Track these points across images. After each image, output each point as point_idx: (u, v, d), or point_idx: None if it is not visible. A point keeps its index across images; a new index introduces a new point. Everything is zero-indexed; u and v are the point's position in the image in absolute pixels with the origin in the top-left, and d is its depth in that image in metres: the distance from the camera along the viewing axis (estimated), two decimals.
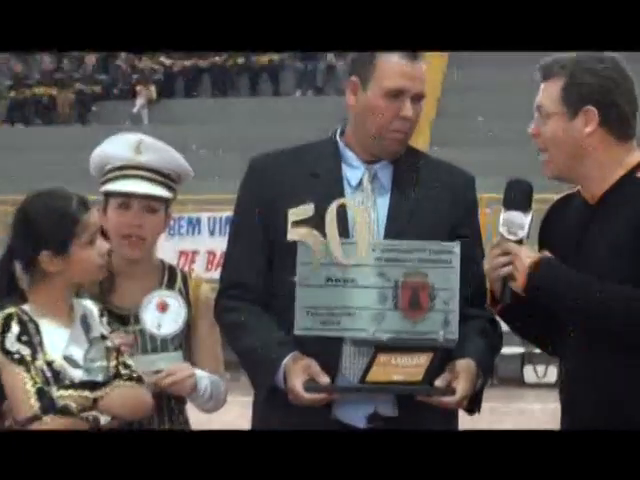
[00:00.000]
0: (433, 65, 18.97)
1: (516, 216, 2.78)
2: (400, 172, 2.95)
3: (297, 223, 2.76)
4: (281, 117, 18.44)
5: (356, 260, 2.76)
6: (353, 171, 2.95)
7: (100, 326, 2.89)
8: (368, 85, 2.91)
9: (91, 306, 2.93)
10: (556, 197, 3.01)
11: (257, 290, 2.92)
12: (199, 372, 3.07)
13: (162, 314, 3.09)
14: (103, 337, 2.87)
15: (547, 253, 2.81)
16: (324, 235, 2.76)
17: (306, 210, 2.78)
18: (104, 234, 3.01)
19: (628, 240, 2.70)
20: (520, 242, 2.78)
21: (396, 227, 2.88)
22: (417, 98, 2.92)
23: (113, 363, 2.83)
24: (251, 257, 2.94)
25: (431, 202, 2.91)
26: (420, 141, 16.40)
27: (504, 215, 2.80)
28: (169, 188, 3.14)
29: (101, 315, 2.92)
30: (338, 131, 3.02)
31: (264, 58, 19.88)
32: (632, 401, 2.69)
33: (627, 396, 2.70)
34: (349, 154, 2.97)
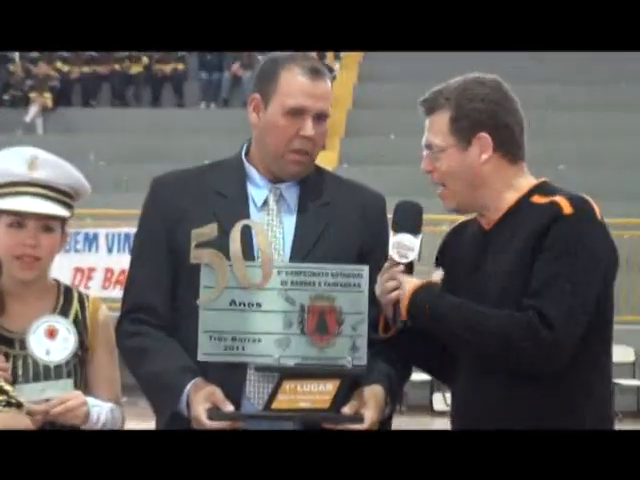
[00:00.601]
0: (343, 80, 19.13)
1: (406, 238, 2.83)
2: (307, 192, 2.97)
3: (201, 245, 2.76)
4: (184, 129, 18.37)
5: (261, 284, 2.76)
6: (258, 191, 2.97)
7: None
8: (270, 102, 2.92)
9: None
10: (452, 226, 3.07)
11: (161, 314, 2.91)
12: (92, 400, 3.04)
13: (51, 340, 3.05)
14: None
15: (436, 277, 2.87)
16: (228, 257, 2.76)
17: (210, 230, 2.78)
18: None
19: (523, 262, 2.76)
20: (411, 264, 2.84)
21: (302, 249, 2.89)
22: (320, 117, 2.92)
23: None
24: (155, 279, 2.93)
25: (339, 223, 2.94)
26: (329, 158, 16.49)
27: (394, 238, 2.84)
28: (66, 205, 3.10)
29: None
30: (244, 149, 3.03)
31: (167, 67, 19.78)
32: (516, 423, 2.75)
33: (512, 421, 2.75)
34: (254, 173, 2.98)
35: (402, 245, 2.83)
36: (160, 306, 2.92)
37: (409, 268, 2.84)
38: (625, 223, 12.19)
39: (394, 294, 2.82)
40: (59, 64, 19.93)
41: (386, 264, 2.84)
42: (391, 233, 2.86)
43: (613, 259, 2.82)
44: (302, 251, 2.89)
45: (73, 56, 19.92)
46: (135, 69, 19.84)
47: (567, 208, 2.75)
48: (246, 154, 3.02)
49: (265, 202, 2.96)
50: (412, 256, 2.83)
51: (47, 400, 2.97)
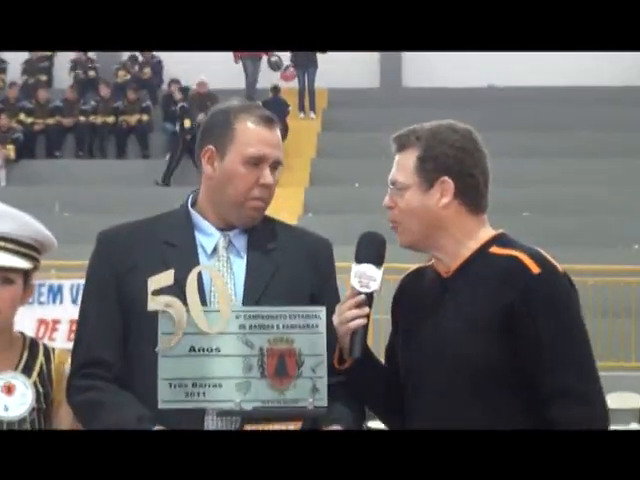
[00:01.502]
0: (307, 129, 19.23)
1: (368, 268, 2.86)
2: (255, 238, 3.02)
3: (157, 292, 2.77)
4: (150, 180, 18.36)
5: (220, 328, 2.78)
6: (207, 239, 3.01)
7: None
8: (226, 153, 2.97)
9: None
10: (408, 272, 3.10)
11: (113, 365, 2.93)
12: None
13: (8, 397, 3.06)
14: None
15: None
16: (185, 303, 2.77)
17: (166, 277, 2.79)
18: None
19: (481, 317, 2.81)
20: (371, 295, 2.86)
21: (254, 293, 2.93)
22: (275, 165, 2.99)
23: None
24: (105, 333, 2.94)
25: (289, 267, 2.97)
26: (294, 207, 16.52)
27: (356, 268, 2.87)
28: (28, 257, 3.11)
29: None
30: (190, 200, 3.07)
31: (132, 118, 19.78)
32: None
33: None
34: (202, 222, 3.02)
35: (364, 275, 2.86)
36: (111, 359, 2.93)
37: (370, 299, 2.87)
38: (591, 270, 12.27)
39: (353, 324, 2.85)
40: (22, 116, 19.88)
41: (347, 293, 2.87)
42: (353, 264, 2.89)
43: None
44: (254, 295, 2.92)
45: (37, 108, 19.91)
46: (100, 120, 19.81)
47: (534, 268, 2.80)
48: (192, 204, 3.06)
49: (215, 249, 2.99)
50: (374, 286, 2.86)
51: None
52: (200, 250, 2.99)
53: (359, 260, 2.89)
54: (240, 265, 2.97)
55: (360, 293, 2.87)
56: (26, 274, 3.12)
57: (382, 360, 3.10)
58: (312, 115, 20.29)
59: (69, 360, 3.16)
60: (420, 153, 2.89)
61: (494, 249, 2.88)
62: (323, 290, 2.98)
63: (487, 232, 2.93)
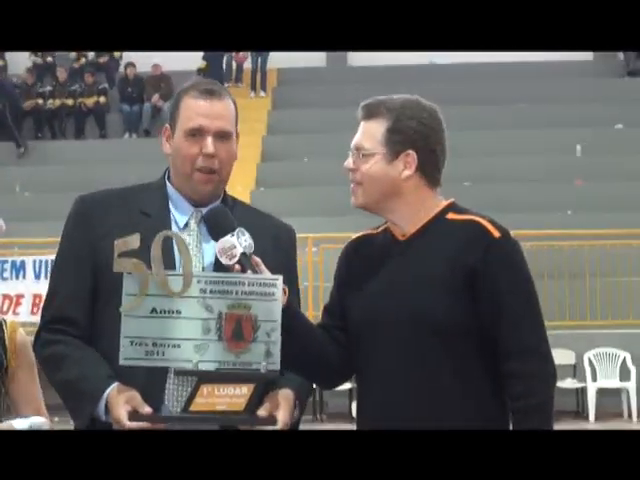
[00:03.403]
0: (257, 107, 19.20)
1: (225, 241, 2.84)
2: None
3: (122, 254, 2.77)
4: (108, 159, 18.25)
5: (181, 292, 2.79)
6: (180, 213, 3.01)
7: None
8: (175, 129, 2.99)
9: None
10: (350, 241, 3.11)
11: (81, 325, 2.93)
12: (15, 422, 3.02)
13: None
14: None
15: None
16: (150, 267, 2.78)
17: (132, 241, 2.79)
18: None
19: (444, 275, 2.85)
20: (244, 257, 2.82)
21: (221, 271, 2.90)
22: (220, 135, 2.97)
23: None
24: (76, 293, 2.95)
25: (256, 247, 2.92)
26: (246, 182, 16.53)
27: (217, 247, 2.85)
28: None
29: None
30: (166, 173, 3.08)
31: (90, 100, 19.64)
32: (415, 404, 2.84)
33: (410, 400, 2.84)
34: (176, 196, 3.03)
35: (225, 249, 2.84)
36: (80, 318, 2.94)
37: (245, 261, 2.83)
38: (528, 235, 12.40)
39: None
40: None
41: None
42: (214, 246, 2.87)
43: None
44: (222, 271, 2.89)
45: None
46: (58, 103, 19.64)
47: (495, 232, 2.86)
48: (168, 178, 3.07)
49: (187, 224, 3.00)
50: (238, 251, 2.83)
51: None
52: (173, 223, 3.00)
53: (215, 238, 2.88)
54: (210, 244, 2.96)
55: (234, 265, 2.84)
56: None
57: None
58: (262, 93, 20.36)
59: (20, 329, 3.20)
60: (389, 125, 2.90)
61: (451, 215, 2.93)
62: (285, 273, 2.92)
63: (440, 201, 2.98)
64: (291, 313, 2.89)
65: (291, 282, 2.99)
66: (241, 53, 20.30)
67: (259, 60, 20.32)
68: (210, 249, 2.95)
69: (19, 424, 3.01)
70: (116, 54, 20.98)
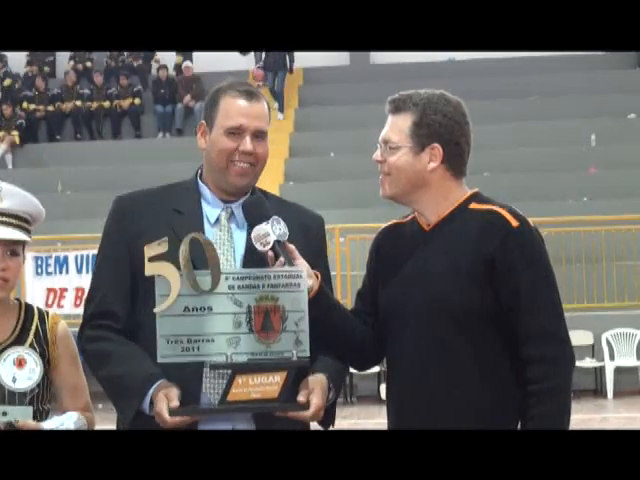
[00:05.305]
0: (285, 108, 19.16)
1: (260, 229, 2.85)
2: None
3: (153, 258, 2.78)
4: (143, 158, 18.30)
5: (210, 290, 2.79)
6: (211, 209, 3.02)
7: None
8: (213, 126, 2.99)
9: None
10: (383, 227, 3.12)
11: (123, 320, 2.95)
12: (49, 423, 3.02)
13: (19, 369, 3.06)
14: None
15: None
16: (179, 268, 2.78)
17: (161, 245, 2.80)
18: None
19: (464, 263, 2.85)
20: (278, 245, 2.83)
21: (252, 262, 2.92)
22: (257, 135, 2.98)
23: None
24: (117, 289, 2.96)
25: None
26: (275, 177, 16.53)
27: (252, 234, 2.86)
28: (27, 231, 3.13)
29: None
30: (198, 172, 3.09)
31: (125, 102, 19.71)
32: (448, 402, 2.83)
33: (445, 397, 2.83)
34: (207, 193, 3.03)
35: (259, 237, 2.84)
36: (121, 312, 2.95)
37: (279, 249, 2.84)
38: (546, 222, 12.33)
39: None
40: (25, 104, 19.77)
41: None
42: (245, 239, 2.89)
43: None
44: (253, 264, 2.91)
45: (37, 96, 19.80)
46: (96, 105, 19.73)
47: (513, 221, 2.85)
48: (200, 176, 3.07)
49: (218, 219, 3.00)
50: (272, 238, 2.84)
51: (7, 423, 2.93)
52: (205, 219, 3.00)
53: (251, 227, 2.89)
54: (241, 236, 2.98)
55: (268, 252, 2.85)
56: (23, 246, 3.13)
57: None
58: (280, 117, 18.54)
59: (62, 321, 3.20)
60: (415, 119, 2.90)
61: (474, 205, 2.93)
62: (316, 263, 2.95)
63: (465, 191, 2.97)
64: (324, 297, 2.89)
65: (322, 268, 2.99)
66: (257, 71, 19.42)
67: (276, 81, 19.11)
68: (241, 243, 2.96)
69: (48, 424, 3.02)
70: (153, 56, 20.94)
